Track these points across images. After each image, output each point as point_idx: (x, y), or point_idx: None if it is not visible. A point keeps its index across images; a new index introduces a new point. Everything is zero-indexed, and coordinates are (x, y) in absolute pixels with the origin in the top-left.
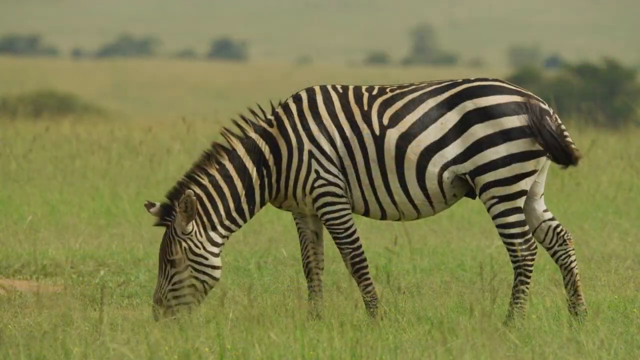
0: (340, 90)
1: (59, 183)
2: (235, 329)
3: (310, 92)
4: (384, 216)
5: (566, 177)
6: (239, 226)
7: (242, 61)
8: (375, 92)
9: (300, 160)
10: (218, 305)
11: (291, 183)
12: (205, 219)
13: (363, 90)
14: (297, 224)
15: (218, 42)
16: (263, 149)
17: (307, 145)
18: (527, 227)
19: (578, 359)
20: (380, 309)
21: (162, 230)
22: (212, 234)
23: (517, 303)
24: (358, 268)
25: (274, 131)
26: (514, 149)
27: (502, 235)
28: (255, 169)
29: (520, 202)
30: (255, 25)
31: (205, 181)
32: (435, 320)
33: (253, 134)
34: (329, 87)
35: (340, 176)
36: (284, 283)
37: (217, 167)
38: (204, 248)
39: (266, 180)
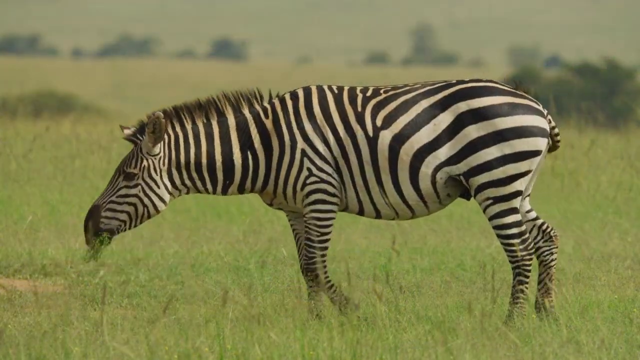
0: (336, 91)
1: (59, 183)
2: (235, 328)
3: (307, 91)
4: (378, 216)
5: (566, 177)
6: (205, 188)
7: (242, 61)
8: (369, 93)
9: (292, 158)
10: (219, 305)
11: (281, 181)
12: (173, 154)
13: (357, 91)
14: (291, 225)
15: (218, 42)
16: (253, 136)
17: (301, 144)
18: (524, 227)
19: (578, 359)
20: (380, 308)
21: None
22: (174, 172)
23: (516, 303)
24: (318, 274)
25: (268, 124)
26: (507, 150)
27: (499, 236)
28: (239, 147)
29: (516, 203)
30: (255, 25)
31: (188, 125)
32: (435, 320)
33: (247, 113)
34: (325, 87)
35: (334, 175)
36: (284, 283)
37: (204, 121)
38: (161, 177)
39: (251, 166)
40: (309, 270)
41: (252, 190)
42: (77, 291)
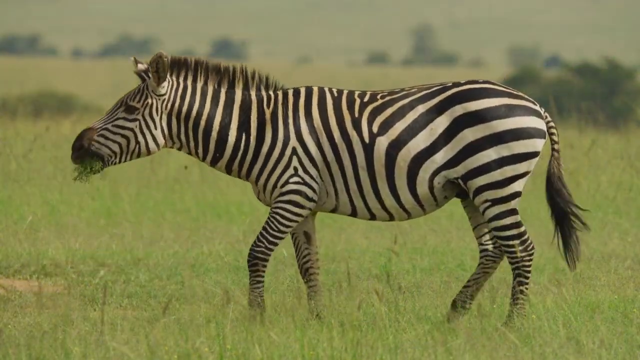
0: (336, 94)
1: (59, 183)
2: (235, 328)
3: (309, 90)
4: (372, 218)
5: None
6: (197, 152)
7: (242, 61)
8: (366, 98)
9: (282, 154)
10: (219, 305)
11: (265, 173)
12: (177, 102)
13: (355, 96)
14: None
15: (218, 42)
16: (251, 120)
17: (293, 142)
18: (523, 228)
19: (578, 358)
20: (380, 308)
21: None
22: (173, 120)
23: (516, 304)
24: (256, 263)
25: (267, 113)
26: (505, 152)
27: (498, 238)
28: (237, 125)
29: (515, 204)
30: (255, 25)
31: (199, 83)
32: (435, 320)
33: (253, 95)
34: (326, 90)
35: (318, 179)
36: (284, 283)
37: (215, 87)
38: (160, 119)
39: (241, 148)
40: (249, 256)
41: (239, 174)
42: (77, 291)
